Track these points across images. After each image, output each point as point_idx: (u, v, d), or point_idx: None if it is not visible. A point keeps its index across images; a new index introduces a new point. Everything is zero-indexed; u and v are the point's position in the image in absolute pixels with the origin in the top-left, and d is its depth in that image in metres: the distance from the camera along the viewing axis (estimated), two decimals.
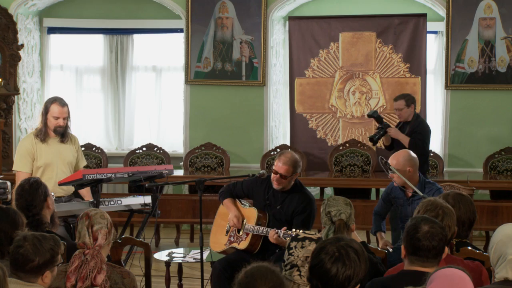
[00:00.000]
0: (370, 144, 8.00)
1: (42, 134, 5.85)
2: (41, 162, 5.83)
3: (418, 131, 7.24)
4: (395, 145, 7.33)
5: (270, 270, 2.72)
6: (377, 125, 7.47)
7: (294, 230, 4.95)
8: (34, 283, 3.29)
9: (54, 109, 5.83)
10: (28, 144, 5.89)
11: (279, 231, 5.05)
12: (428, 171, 7.50)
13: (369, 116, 7.61)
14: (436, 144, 9.04)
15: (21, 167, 5.86)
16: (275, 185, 5.31)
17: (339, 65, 8.98)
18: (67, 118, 5.89)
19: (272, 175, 5.30)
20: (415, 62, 8.83)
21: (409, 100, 7.38)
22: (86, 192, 5.84)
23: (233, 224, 5.42)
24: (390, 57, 8.86)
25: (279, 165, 5.24)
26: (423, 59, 8.83)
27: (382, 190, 8.46)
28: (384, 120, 7.58)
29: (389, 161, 5.64)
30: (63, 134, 5.89)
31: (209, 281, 5.62)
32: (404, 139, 7.23)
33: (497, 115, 8.83)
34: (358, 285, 2.92)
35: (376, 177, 8.19)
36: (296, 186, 5.39)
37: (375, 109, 7.80)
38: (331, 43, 8.97)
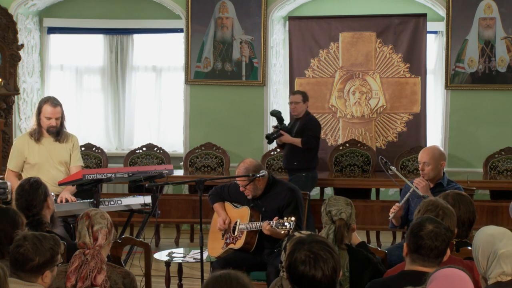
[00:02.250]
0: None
1: (36, 134, 5.85)
2: (33, 161, 5.83)
3: (309, 127, 7.61)
4: (286, 144, 7.67)
5: (238, 281, 2.70)
6: (277, 124, 7.69)
7: (286, 218, 5.01)
8: (34, 283, 3.29)
9: (47, 109, 5.81)
10: (19, 143, 5.90)
11: (271, 221, 5.11)
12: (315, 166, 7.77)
13: (272, 114, 7.82)
14: (436, 144, 9.03)
15: (9, 165, 5.91)
16: (247, 195, 5.44)
17: (339, 65, 8.98)
18: (60, 118, 5.85)
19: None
20: (415, 62, 8.83)
21: (305, 96, 7.72)
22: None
23: (220, 226, 5.50)
24: (390, 57, 8.86)
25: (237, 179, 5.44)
26: (423, 59, 8.83)
27: (382, 190, 8.50)
28: (284, 123, 7.76)
29: (421, 154, 5.66)
30: (58, 133, 5.88)
31: None
32: (296, 141, 7.57)
33: (497, 115, 8.83)
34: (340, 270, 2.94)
35: (376, 177, 8.19)
36: (271, 183, 5.45)
37: (278, 110, 7.90)
38: (331, 43, 8.97)
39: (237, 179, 5.44)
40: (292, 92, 8.07)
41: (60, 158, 5.88)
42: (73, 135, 6.07)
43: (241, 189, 5.42)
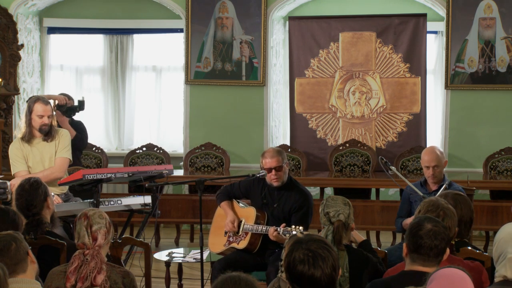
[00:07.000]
0: None
1: (27, 135, 5.85)
2: (29, 164, 5.84)
3: (81, 128, 7.58)
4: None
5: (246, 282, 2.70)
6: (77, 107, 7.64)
7: (293, 226, 4.98)
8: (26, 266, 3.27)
9: (38, 107, 5.83)
10: (16, 148, 5.90)
11: (278, 228, 5.08)
12: None
13: (79, 101, 7.70)
14: (436, 144, 9.02)
15: (18, 168, 5.86)
16: (275, 183, 5.36)
17: (339, 65, 8.98)
18: (51, 116, 5.89)
19: (268, 175, 5.36)
20: (415, 62, 8.83)
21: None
22: None
23: (228, 229, 5.46)
24: (390, 57, 8.86)
25: (268, 161, 5.33)
26: (423, 59, 8.82)
27: (382, 190, 8.50)
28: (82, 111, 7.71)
29: (427, 158, 5.67)
30: (48, 132, 5.87)
31: (209, 281, 5.62)
32: (71, 130, 7.34)
33: (497, 115, 8.82)
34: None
35: (376, 177, 8.19)
36: (291, 183, 5.44)
37: (83, 100, 7.77)
38: (331, 43, 8.97)
39: (270, 164, 5.33)
40: (63, 95, 7.84)
41: (51, 158, 5.88)
42: (62, 129, 6.08)
43: (272, 173, 5.32)
